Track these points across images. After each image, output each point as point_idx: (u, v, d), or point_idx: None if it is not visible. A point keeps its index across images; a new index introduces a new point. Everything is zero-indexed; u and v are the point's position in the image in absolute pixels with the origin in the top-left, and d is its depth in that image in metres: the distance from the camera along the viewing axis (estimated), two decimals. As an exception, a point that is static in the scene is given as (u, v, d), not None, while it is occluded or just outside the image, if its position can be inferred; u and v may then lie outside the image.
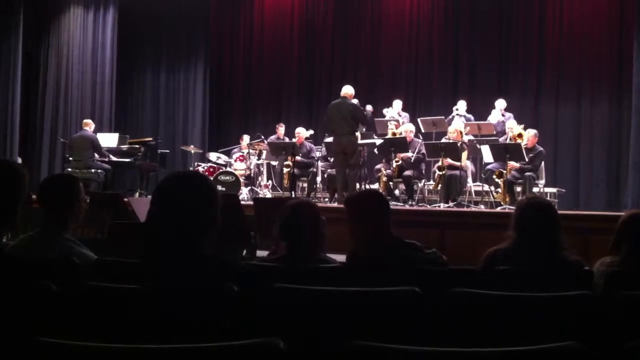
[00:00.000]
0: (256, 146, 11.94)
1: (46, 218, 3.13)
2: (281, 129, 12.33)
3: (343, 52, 14.52)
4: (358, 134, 10.20)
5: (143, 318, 2.34)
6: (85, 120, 11.95)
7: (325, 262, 3.28)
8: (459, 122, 11.00)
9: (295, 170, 10.90)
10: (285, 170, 10.87)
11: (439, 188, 9.90)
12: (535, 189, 9.70)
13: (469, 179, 10.60)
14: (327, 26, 14.65)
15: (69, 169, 11.34)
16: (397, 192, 10.61)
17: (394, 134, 10.61)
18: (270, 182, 12.09)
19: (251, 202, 8.60)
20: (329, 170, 10.90)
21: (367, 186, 10.86)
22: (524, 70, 13.21)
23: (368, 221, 3.34)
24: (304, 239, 3.28)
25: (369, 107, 10.34)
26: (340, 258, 3.46)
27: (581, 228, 7.30)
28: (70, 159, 11.51)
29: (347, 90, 9.91)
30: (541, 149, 9.95)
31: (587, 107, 12.66)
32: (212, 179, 11.28)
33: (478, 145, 10.57)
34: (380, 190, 10.35)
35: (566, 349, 1.73)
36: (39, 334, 1.71)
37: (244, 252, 6.27)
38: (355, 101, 9.98)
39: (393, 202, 9.44)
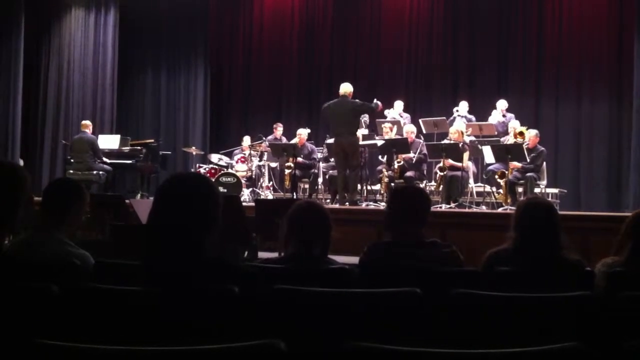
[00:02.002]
0: (257, 147, 11.95)
1: (43, 220, 3.12)
2: (279, 130, 12.32)
3: (343, 53, 14.52)
4: (359, 134, 10.20)
5: (144, 320, 2.34)
6: (83, 122, 11.93)
7: (327, 263, 3.28)
8: (460, 123, 10.99)
9: (297, 172, 10.90)
10: (287, 171, 10.86)
11: (440, 189, 9.90)
12: (536, 190, 9.69)
13: (471, 180, 10.60)
14: (326, 27, 14.66)
15: (70, 171, 11.35)
16: (389, 195, 10.57)
17: (389, 137, 10.62)
18: (271, 183, 12.08)
19: (252, 204, 8.59)
20: (330, 171, 10.89)
21: (369, 187, 10.88)
22: (523, 70, 13.20)
23: (409, 217, 3.36)
24: (311, 239, 3.27)
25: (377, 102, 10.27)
26: (341, 259, 3.45)
27: (582, 229, 7.28)
28: (72, 160, 11.51)
29: (346, 88, 9.85)
30: (542, 148, 9.94)
31: (587, 108, 12.65)
32: (213, 180, 11.31)
33: (479, 146, 10.56)
34: (382, 191, 10.38)
35: (568, 349, 1.73)
36: (40, 335, 1.71)
37: (245, 253, 6.27)
38: (357, 101, 9.97)
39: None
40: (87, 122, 11.89)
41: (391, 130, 10.86)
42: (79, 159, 11.28)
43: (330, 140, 10.41)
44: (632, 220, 3.32)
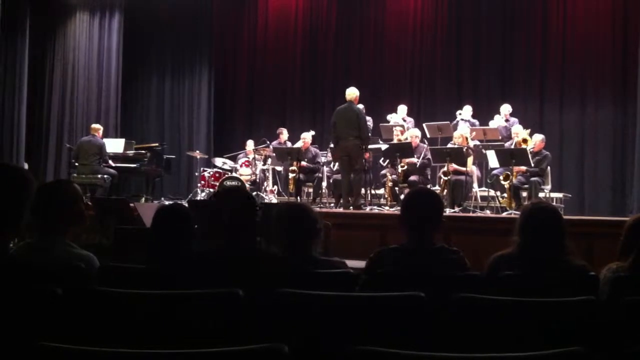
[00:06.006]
0: (262, 152, 11.96)
1: (42, 225, 3.11)
2: (283, 134, 12.30)
3: (347, 56, 14.53)
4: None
5: (148, 323, 2.34)
6: (94, 126, 11.90)
7: (326, 263, 3.27)
8: (464, 128, 10.98)
9: (301, 176, 10.90)
10: (291, 175, 10.87)
11: (444, 193, 9.88)
12: (541, 194, 9.67)
13: (475, 184, 10.59)
14: (330, 30, 14.68)
15: (75, 175, 11.36)
16: (402, 197, 10.56)
17: (399, 140, 10.60)
18: (275, 187, 12.10)
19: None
20: (334, 175, 10.90)
21: (373, 191, 10.86)
22: (527, 74, 13.18)
23: (423, 221, 3.36)
24: (301, 240, 3.26)
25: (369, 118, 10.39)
26: (348, 263, 3.45)
27: (587, 233, 7.26)
28: (76, 164, 11.50)
29: (352, 93, 9.85)
30: (547, 153, 9.93)
31: (591, 111, 12.62)
32: (217, 184, 11.34)
33: (484, 151, 10.55)
34: (386, 196, 10.37)
35: (572, 354, 1.73)
36: (45, 338, 1.72)
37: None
38: (360, 106, 9.96)
39: (398, 207, 9.42)
40: (97, 126, 11.86)
41: (402, 133, 10.83)
42: (86, 162, 11.26)
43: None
44: (632, 225, 3.31)
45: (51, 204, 3.17)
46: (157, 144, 12.79)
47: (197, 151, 13.20)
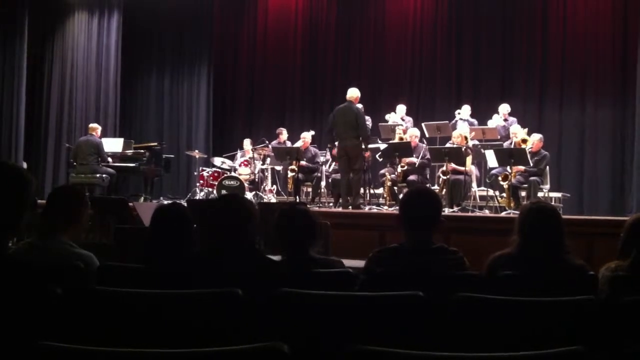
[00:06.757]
0: (260, 151, 11.96)
1: (46, 225, 3.13)
2: (283, 134, 12.31)
3: (346, 57, 14.53)
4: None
5: (148, 322, 2.34)
6: (91, 125, 11.91)
7: (331, 265, 3.27)
8: (463, 127, 10.98)
9: (300, 175, 10.90)
10: (290, 175, 10.87)
11: (443, 193, 9.88)
12: (540, 194, 9.68)
13: (474, 184, 10.59)
14: (330, 30, 14.67)
15: (73, 174, 11.35)
16: (401, 197, 10.54)
17: (401, 138, 10.59)
18: (274, 187, 12.10)
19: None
20: (333, 175, 10.90)
21: (372, 191, 10.86)
22: (527, 74, 13.18)
23: (422, 221, 3.35)
24: (299, 241, 3.26)
25: (367, 118, 10.38)
26: (347, 263, 3.45)
27: (585, 233, 7.27)
28: (75, 163, 11.49)
29: (353, 93, 9.86)
30: (546, 152, 9.94)
31: (591, 111, 12.63)
32: (216, 183, 11.35)
33: (482, 150, 10.55)
34: (385, 195, 10.36)
35: (571, 353, 1.73)
36: (45, 337, 1.72)
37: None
38: (360, 106, 9.96)
39: (397, 207, 9.42)
40: (95, 125, 11.87)
41: (404, 132, 10.81)
42: (84, 162, 11.26)
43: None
44: (633, 224, 3.31)
45: (51, 204, 3.19)
46: (156, 144, 12.77)
47: (196, 151, 13.20)
